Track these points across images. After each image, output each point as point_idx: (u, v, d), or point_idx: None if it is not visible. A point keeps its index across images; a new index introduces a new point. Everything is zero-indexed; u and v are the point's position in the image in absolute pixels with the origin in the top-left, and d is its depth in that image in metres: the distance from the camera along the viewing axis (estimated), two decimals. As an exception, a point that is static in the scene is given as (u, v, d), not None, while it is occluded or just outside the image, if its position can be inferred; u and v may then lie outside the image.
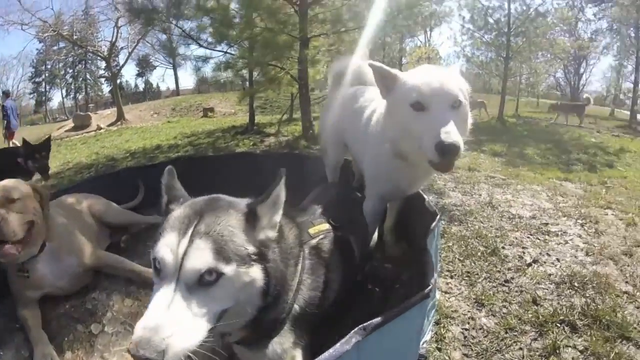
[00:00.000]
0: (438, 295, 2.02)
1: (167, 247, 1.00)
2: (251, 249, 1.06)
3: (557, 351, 1.62)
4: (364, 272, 1.88)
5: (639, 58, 17.05)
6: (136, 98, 35.24)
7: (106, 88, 37.64)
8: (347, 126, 2.45)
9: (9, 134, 10.48)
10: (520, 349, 1.66)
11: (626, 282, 2.24)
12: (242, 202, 1.16)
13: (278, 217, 1.17)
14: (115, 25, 20.02)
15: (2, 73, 37.24)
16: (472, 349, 1.66)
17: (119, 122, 18.20)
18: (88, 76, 38.48)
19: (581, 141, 8.46)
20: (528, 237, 2.79)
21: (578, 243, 2.72)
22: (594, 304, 1.96)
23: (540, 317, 1.85)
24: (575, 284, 2.15)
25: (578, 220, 3.14)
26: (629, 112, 17.43)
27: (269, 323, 1.23)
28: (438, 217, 1.61)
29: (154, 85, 43.38)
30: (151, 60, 37.07)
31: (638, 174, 5.44)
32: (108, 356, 1.80)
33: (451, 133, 1.33)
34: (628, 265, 2.42)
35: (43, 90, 38.34)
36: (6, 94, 11.31)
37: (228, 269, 0.99)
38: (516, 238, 2.76)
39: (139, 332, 0.92)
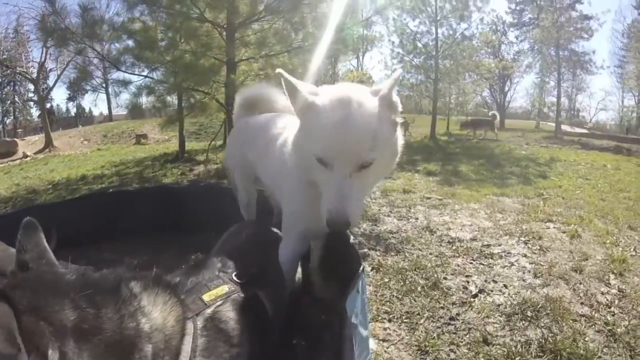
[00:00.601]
0: (374, 345, 1.68)
1: None
2: None
3: None
4: (288, 323, 1.52)
5: (560, 74, 18.56)
6: (67, 123, 33.06)
7: (35, 112, 35.19)
8: (258, 158, 2.11)
9: None
10: None
11: (581, 302, 2.05)
12: None
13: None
14: (44, 45, 18.85)
15: None
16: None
17: (47, 150, 17.32)
18: (17, 99, 35.78)
19: (512, 154, 8.71)
20: (471, 263, 2.54)
21: (524, 264, 2.52)
22: (551, 335, 1.72)
23: (494, 359, 1.55)
24: (528, 314, 1.91)
25: (521, 238, 2.98)
26: (553, 124, 18.85)
27: None
28: (361, 268, 1.32)
29: (87, 110, 41.18)
30: (82, 84, 35.28)
31: (571, 182, 5.54)
32: None
33: (345, 208, 1.13)
34: (580, 283, 2.25)
35: None
36: None
37: None
38: (458, 265, 2.51)
39: None
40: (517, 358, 1.57)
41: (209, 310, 1.11)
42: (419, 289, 2.17)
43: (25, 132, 29.50)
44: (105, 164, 10.28)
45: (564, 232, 3.13)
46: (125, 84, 7.15)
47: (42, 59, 19.73)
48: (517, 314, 1.91)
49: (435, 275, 2.31)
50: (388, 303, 2.04)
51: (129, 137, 19.57)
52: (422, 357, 1.63)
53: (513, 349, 1.63)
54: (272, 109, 2.42)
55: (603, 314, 1.93)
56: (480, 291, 2.16)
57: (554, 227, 3.27)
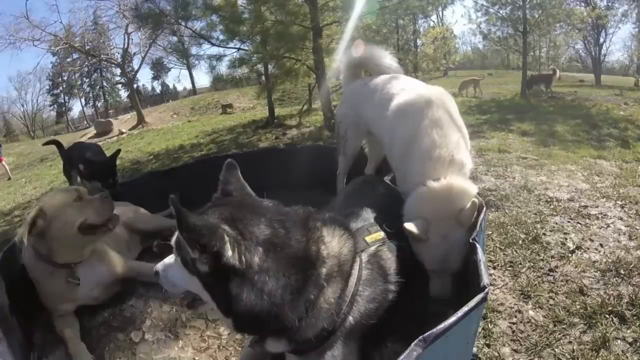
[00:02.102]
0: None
1: None
2: (192, 256, 1.11)
3: (607, 344, 1.58)
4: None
5: None
6: (154, 100, 36.05)
7: (124, 93, 38.60)
8: (376, 116, 2.42)
9: None
10: (570, 342, 1.62)
11: None
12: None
13: (225, 257, 1.11)
14: (125, 32, 20.24)
15: (21, 89, 38.60)
16: (521, 344, 1.63)
17: (140, 126, 18.53)
18: (105, 84, 39.50)
19: (610, 115, 8.10)
20: (568, 222, 2.71)
21: (620, 226, 2.63)
22: None
23: (589, 308, 1.80)
24: (622, 272, 2.08)
25: (617, 202, 3.04)
26: None
27: (314, 337, 1.25)
28: (484, 209, 1.53)
29: (171, 87, 44.17)
30: (165, 63, 37.59)
31: (677, 146, 5.20)
32: None
33: (446, 294, 1.62)
34: None
35: (62, 101, 39.58)
36: None
37: (176, 258, 1.24)
38: (556, 223, 2.69)
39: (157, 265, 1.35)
40: (610, 308, 1.78)
41: (372, 249, 1.48)
42: (519, 242, 2.43)
43: (117, 113, 32.38)
44: (199, 133, 10.91)
45: None
46: (219, 58, 7.73)
47: (125, 45, 20.98)
48: (611, 271, 2.09)
49: (535, 231, 2.53)
50: (492, 253, 2.33)
51: (215, 108, 20.43)
52: (525, 300, 1.91)
53: (606, 300, 1.84)
54: (378, 69, 2.72)
55: None
56: (578, 248, 2.35)
57: (652, 193, 3.25)
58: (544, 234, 2.55)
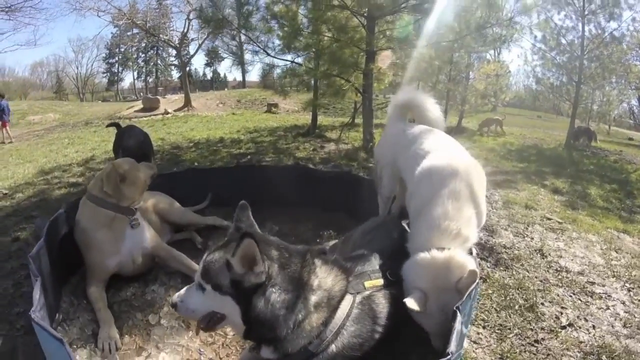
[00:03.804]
0: (466, 344, 2.14)
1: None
2: (224, 283, 1.52)
3: None
4: None
5: None
6: (203, 86, 37.33)
7: (175, 74, 40.05)
8: (405, 166, 2.60)
9: (2, 123, 12.69)
10: None
11: None
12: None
13: (259, 268, 1.48)
14: (187, 17, 21.08)
15: (78, 52, 40.77)
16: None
17: (186, 108, 19.25)
18: (159, 62, 41.22)
19: None
20: (570, 296, 2.81)
21: (619, 311, 2.70)
22: None
23: (561, 388, 1.92)
24: (603, 358, 2.17)
25: (626, 284, 3.10)
26: None
27: (298, 354, 1.55)
28: (477, 280, 1.67)
29: (221, 75, 45.44)
30: (219, 52, 38.81)
31: None
32: (162, 347, 2.08)
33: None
34: None
35: (115, 70, 41.63)
36: (1, 96, 13.37)
37: (207, 287, 1.56)
38: (558, 295, 2.80)
39: (174, 297, 1.65)
40: None
41: (366, 293, 1.72)
42: (516, 307, 2.56)
43: (165, 91, 33.60)
44: (241, 129, 11.22)
45: None
46: (272, 67, 8.10)
47: (185, 30, 21.85)
48: (593, 355, 2.18)
49: (534, 299, 2.66)
50: (486, 312, 2.48)
51: (260, 105, 21.08)
52: (504, 366, 2.07)
53: None
54: (423, 116, 2.88)
55: None
56: (570, 324, 2.45)
57: (665, 282, 3.26)
58: (542, 303, 2.66)
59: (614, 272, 3.29)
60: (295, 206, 3.77)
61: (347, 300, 1.65)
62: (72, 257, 2.51)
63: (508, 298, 2.67)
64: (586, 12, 11.57)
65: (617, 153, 12.80)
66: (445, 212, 1.95)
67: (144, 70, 41.87)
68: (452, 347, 1.34)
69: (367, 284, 1.75)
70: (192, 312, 1.62)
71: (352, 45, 6.98)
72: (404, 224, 2.55)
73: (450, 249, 1.84)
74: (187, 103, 19.87)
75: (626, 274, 3.27)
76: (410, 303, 1.67)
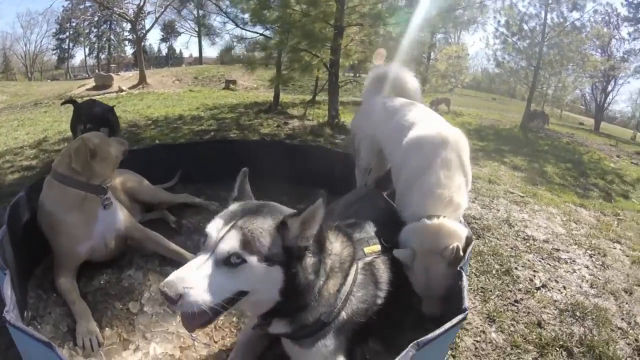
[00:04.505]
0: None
1: (214, 227, 1.32)
2: (275, 251, 1.29)
3: None
4: None
5: None
6: (158, 63, 35.63)
7: (129, 50, 38.03)
8: (387, 139, 2.65)
9: None
10: None
11: (622, 318, 2.42)
12: (285, 212, 1.42)
13: (312, 231, 1.35)
14: None
15: (27, 28, 37.85)
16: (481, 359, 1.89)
17: (141, 86, 18.34)
18: (112, 37, 38.93)
19: (600, 165, 8.55)
20: (540, 261, 2.98)
21: (584, 274, 2.91)
22: (590, 335, 2.16)
23: (543, 339, 2.06)
24: (577, 314, 2.35)
25: (587, 251, 3.32)
26: None
27: (313, 324, 1.47)
28: (473, 242, 1.77)
29: (177, 52, 43.59)
30: (176, 27, 37.21)
31: (652, 209, 5.54)
32: (150, 337, 1.86)
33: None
34: (626, 303, 2.60)
35: (66, 47, 38.99)
36: None
37: (250, 259, 1.25)
38: (529, 260, 2.96)
39: (169, 277, 1.21)
40: (561, 343, 2.05)
41: (368, 259, 1.73)
42: (493, 271, 2.69)
43: (119, 68, 31.97)
44: (200, 105, 10.89)
45: (627, 256, 3.39)
46: (240, 39, 7.84)
47: (141, 3, 20.68)
48: (568, 311, 2.36)
49: (508, 264, 2.80)
50: (468, 277, 2.57)
51: (218, 82, 20.39)
52: (490, 323, 2.17)
53: (559, 335, 2.10)
54: (401, 89, 2.93)
55: (637, 333, 2.30)
56: (543, 286, 2.62)
57: (620, 249, 3.53)
58: (515, 268, 2.81)
59: (575, 240, 3.52)
60: (269, 181, 3.54)
61: (354, 266, 1.65)
62: (36, 245, 2.25)
63: (485, 264, 2.80)
64: (550, 1, 12.12)
65: (569, 136, 13.60)
66: (438, 181, 2.04)
67: (96, 47, 39.37)
68: (466, 303, 1.44)
69: (367, 249, 1.76)
70: (203, 302, 1.20)
71: (322, 20, 6.87)
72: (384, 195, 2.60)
73: (444, 217, 1.94)
74: (142, 80, 18.88)
75: (586, 242, 3.51)
76: (398, 253, 1.83)
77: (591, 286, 2.75)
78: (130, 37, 33.50)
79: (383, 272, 1.76)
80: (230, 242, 1.26)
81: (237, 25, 7.46)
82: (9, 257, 1.79)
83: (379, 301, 1.70)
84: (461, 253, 1.82)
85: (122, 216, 2.42)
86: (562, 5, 12.29)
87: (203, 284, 1.21)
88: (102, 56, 39.28)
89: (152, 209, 3.07)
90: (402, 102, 2.73)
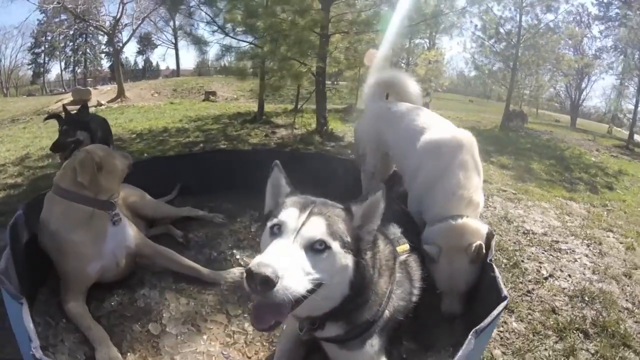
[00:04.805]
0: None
1: (290, 215, 1.28)
2: (347, 239, 1.29)
3: (574, 353, 1.98)
4: None
5: None
6: (134, 76, 35.07)
7: (106, 63, 37.39)
8: (396, 142, 2.75)
9: None
10: (546, 349, 2.00)
11: (626, 299, 2.60)
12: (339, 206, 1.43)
13: (374, 225, 1.38)
14: (121, 1, 19.83)
15: (2, 42, 36.78)
16: (508, 348, 1.99)
17: (119, 99, 18.14)
18: (88, 50, 38.17)
19: (582, 160, 8.90)
20: (543, 253, 3.12)
21: (585, 262, 3.07)
22: (601, 317, 2.31)
23: (560, 324, 2.19)
24: (586, 298, 2.50)
25: (584, 241, 3.49)
26: (627, 132, 17.78)
27: (363, 324, 1.48)
28: (494, 237, 1.89)
29: (154, 64, 43.12)
30: (153, 39, 36.84)
31: (635, 199, 5.83)
32: (179, 358, 1.76)
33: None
34: (628, 286, 2.78)
35: (42, 61, 38.03)
36: None
37: (334, 245, 1.24)
38: (532, 253, 3.10)
39: (259, 259, 1.11)
40: (576, 326, 2.19)
41: (402, 257, 1.80)
42: (502, 265, 2.81)
43: (95, 82, 31.33)
44: (183, 117, 10.76)
45: (621, 243, 3.59)
46: (228, 48, 7.80)
47: (118, 15, 20.61)
48: (578, 297, 2.51)
49: (515, 258, 2.92)
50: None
51: (198, 93, 20.19)
52: (509, 314, 2.28)
53: (574, 319, 2.24)
54: (404, 93, 3.04)
55: None
56: (550, 276, 2.76)
57: (613, 237, 3.73)
58: (522, 261, 2.94)
59: (571, 231, 3.69)
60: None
61: (396, 263, 1.69)
62: (37, 267, 2.08)
63: (493, 259, 2.90)
64: (524, 4, 12.53)
65: (548, 133, 14.05)
66: (458, 182, 2.17)
67: (72, 60, 38.50)
68: (504, 291, 1.54)
69: (398, 248, 1.81)
70: (295, 290, 1.11)
71: (310, 29, 6.95)
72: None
73: (467, 217, 2.06)
74: (121, 94, 18.66)
75: (582, 232, 3.68)
76: (428, 248, 1.96)
77: (593, 273, 2.91)
78: (107, 50, 32.91)
79: (416, 270, 1.85)
80: (318, 228, 1.24)
81: (226, 35, 7.41)
82: (14, 283, 1.62)
83: (414, 299, 1.78)
84: (483, 251, 1.94)
85: (131, 232, 2.28)
86: (536, 8, 12.72)
87: (295, 270, 1.13)
88: (79, 70, 38.48)
89: (154, 224, 2.92)
90: (408, 107, 2.85)
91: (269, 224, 1.33)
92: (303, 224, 1.24)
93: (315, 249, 1.21)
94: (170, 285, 2.25)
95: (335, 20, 7.42)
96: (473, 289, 2.01)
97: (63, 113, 3.47)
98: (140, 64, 43.09)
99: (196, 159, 3.96)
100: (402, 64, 16.50)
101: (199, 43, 7.39)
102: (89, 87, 20.88)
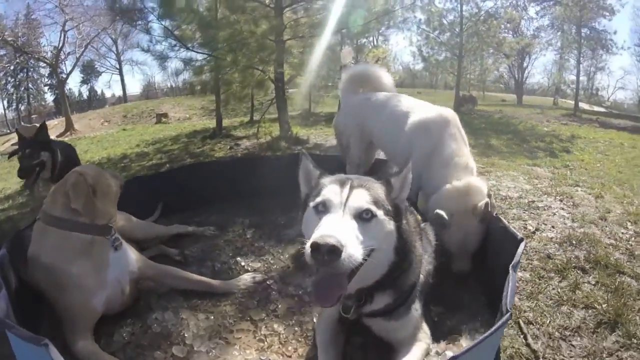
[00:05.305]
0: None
1: (332, 192, 1.36)
2: (389, 207, 1.39)
3: (579, 286, 2.18)
4: None
5: (581, 53, 19.18)
6: (80, 107, 33.42)
7: (50, 97, 35.53)
8: (380, 128, 2.89)
9: None
10: (554, 288, 2.20)
11: (608, 238, 2.89)
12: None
13: (405, 194, 1.50)
14: (62, 29, 19.14)
15: None
16: (521, 294, 2.15)
17: (68, 133, 17.57)
18: (31, 85, 36.11)
19: (535, 131, 9.50)
20: (524, 212, 3.37)
21: (563, 214, 3.35)
22: (591, 254, 2.55)
23: (559, 266, 2.40)
24: (574, 242, 2.75)
25: (557, 197, 3.79)
26: (571, 102, 19.03)
27: (409, 288, 1.54)
28: (523, 242, 1.76)
29: (99, 93, 41.47)
30: (97, 66, 35.44)
31: (592, 157, 6.32)
32: None
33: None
34: (606, 227, 3.08)
35: None
36: None
37: (379, 213, 1.33)
38: (515, 214, 3.33)
39: (320, 231, 1.17)
40: (573, 264, 2.42)
41: (422, 225, 1.90)
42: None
43: (40, 118, 29.67)
44: (140, 142, 10.51)
45: (589, 194, 3.93)
46: (187, 62, 7.66)
47: (60, 44, 19.96)
48: (566, 243, 2.75)
49: (501, 219, 3.13)
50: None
51: (149, 117, 19.82)
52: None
53: (569, 260, 2.47)
54: (377, 85, 3.18)
55: (624, 244, 2.76)
56: (537, 229, 2.99)
57: (582, 191, 4.07)
58: (508, 221, 3.11)
59: (543, 191, 4.00)
60: (256, 197, 3.48)
61: (421, 229, 1.80)
62: (28, 308, 1.80)
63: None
64: None
65: (498, 112, 14.80)
66: (452, 152, 2.35)
67: (14, 98, 36.27)
68: (519, 235, 1.74)
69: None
70: (357, 258, 1.18)
71: (267, 36, 7.02)
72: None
73: (464, 178, 2.23)
74: (69, 126, 18.11)
75: (553, 191, 4.00)
76: (441, 212, 2.08)
77: (573, 221, 3.18)
78: (50, 82, 31.21)
79: (432, 238, 1.98)
80: (363, 198, 1.33)
81: (187, 48, 7.24)
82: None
83: (436, 263, 1.89)
84: (489, 208, 2.08)
85: (133, 255, 2.11)
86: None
87: (353, 239, 1.21)
88: (22, 107, 36.32)
89: (145, 246, 2.71)
90: (386, 95, 3.01)
91: (311, 204, 1.39)
92: (348, 197, 1.32)
93: (364, 218, 1.30)
94: (182, 304, 2.08)
95: (290, 26, 7.52)
96: (480, 248, 2.17)
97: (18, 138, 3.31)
98: (85, 94, 41.03)
99: (171, 176, 3.80)
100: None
101: (161, 58, 7.17)
102: (35, 124, 19.86)
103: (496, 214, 2.03)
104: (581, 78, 18.50)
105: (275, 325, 1.89)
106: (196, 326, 1.89)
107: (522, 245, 1.60)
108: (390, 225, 1.37)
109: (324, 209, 1.34)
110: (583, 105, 18.81)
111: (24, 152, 3.17)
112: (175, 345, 1.77)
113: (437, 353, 1.63)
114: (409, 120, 2.61)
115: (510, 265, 1.46)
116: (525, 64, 26.18)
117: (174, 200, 3.33)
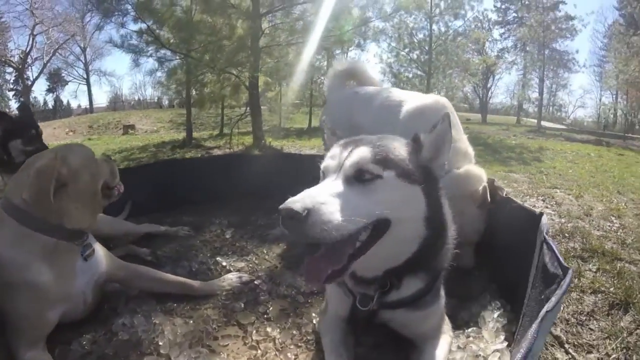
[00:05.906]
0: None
1: (332, 155, 1.20)
2: (409, 167, 1.14)
3: (582, 274, 2.14)
4: None
5: (543, 72, 20.05)
6: (45, 116, 32.13)
7: (13, 104, 33.93)
8: (372, 121, 2.80)
9: None
10: None
11: (597, 230, 2.91)
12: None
13: (444, 158, 1.23)
14: (31, 33, 18.48)
15: None
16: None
17: (33, 141, 16.63)
18: None
19: (504, 144, 9.77)
20: (511, 212, 3.33)
21: (549, 211, 3.35)
22: (587, 245, 2.54)
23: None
24: (566, 235, 2.74)
25: (539, 197, 3.83)
26: (533, 120, 20.05)
27: (442, 271, 1.33)
28: (544, 216, 1.58)
29: (64, 103, 40.05)
30: (64, 75, 34.22)
31: (564, 165, 6.53)
32: None
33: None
34: (593, 220, 3.12)
35: None
36: None
37: (385, 173, 1.10)
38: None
39: (292, 198, 1.01)
40: (572, 254, 2.39)
41: None
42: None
43: None
44: (106, 151, 10.01)
45: (569, 194, 3.99)
46: (163, 62, 7.47)
47: (28, 48, 19.19)
48: (559, 235, 2.73)
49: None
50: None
51: (115, 128, 19.48)
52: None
53: (567, 250, 2.44)
54: (364, 79, 3.12)
55: (614, 235, 2.79)
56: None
57: (561, 192, 4.12)
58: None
59: (525, 193, 4.03)
60: (237, 197, 3.28)
61: None
62: None
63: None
64: (433, 15, 13.66)
65: (465, 128, 15.05)
66: (451, 138, 2.22)
67: None
68: (537, 210, 1.64)
69: None
70: (337, 220, 1.00)
71: (244, 39, 6.96)
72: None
73: (464, 165, 2.17)
74: (34, 135, 17.14)
75: (534, 192, 4.05)
76: None
77: (560, 217, 3.19)
78: (15, 87, 29.72)
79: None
80: (360, 155, 1.12)
81: (163, 46, 7.03)
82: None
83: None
84: (487, 193, 2.03)
85: (103, 259, 1.74)
86: (444, 16, 13.94)
87: (335, 202, 1.02)
88: None
89: (112, 245, 2.40)
90: (374, 88, 2.95)
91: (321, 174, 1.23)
92: (347, 158, 1.14)
93: (364, 179, 1.10)
94: (155, 308, 1.77)
95: (269, 32, 7.49)
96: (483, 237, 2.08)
97: None
98: (51, 103, 39.59)
99: (139, 173, 3.39)
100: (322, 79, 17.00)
101: (135, 52, 6.93)
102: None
103: (506, 194, 1.98)
104: (544, 95, 19.37)
105: (269, 329, 1.61)
106: (172, 332, 1.58)
107: (544, 218, 1.50)
108: (411, 189, 1.13)
109: (323, 176, 1.19)
110: (545, 123, 19.62)
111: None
112: (147, 356, 1.47)
113: (459, 347, 1.45)
114: (403, 108, 2.52)
115: (543, 236, 1.38)
116: (489, 84, 27.47)
117: (143, 199, 2.98)
